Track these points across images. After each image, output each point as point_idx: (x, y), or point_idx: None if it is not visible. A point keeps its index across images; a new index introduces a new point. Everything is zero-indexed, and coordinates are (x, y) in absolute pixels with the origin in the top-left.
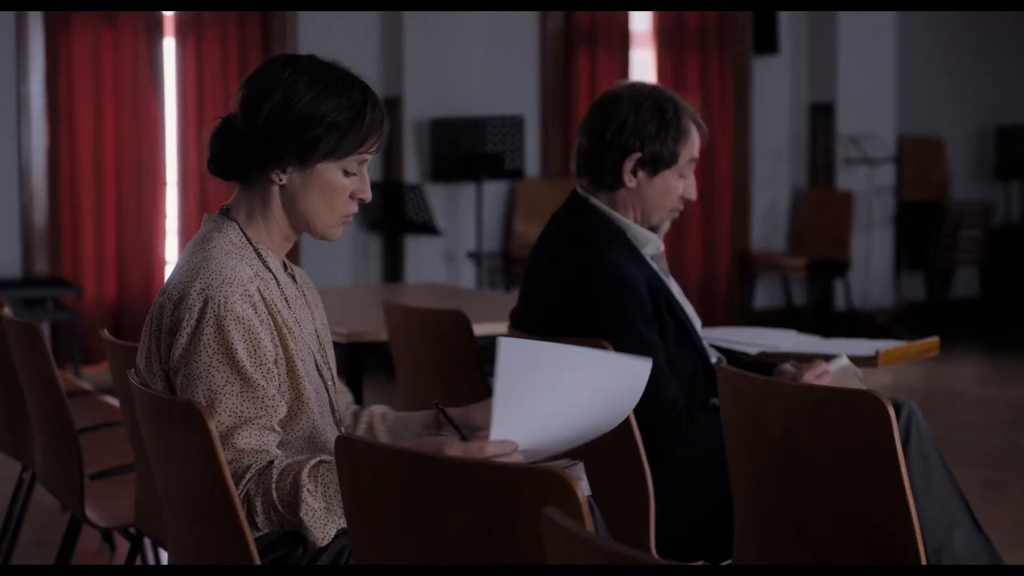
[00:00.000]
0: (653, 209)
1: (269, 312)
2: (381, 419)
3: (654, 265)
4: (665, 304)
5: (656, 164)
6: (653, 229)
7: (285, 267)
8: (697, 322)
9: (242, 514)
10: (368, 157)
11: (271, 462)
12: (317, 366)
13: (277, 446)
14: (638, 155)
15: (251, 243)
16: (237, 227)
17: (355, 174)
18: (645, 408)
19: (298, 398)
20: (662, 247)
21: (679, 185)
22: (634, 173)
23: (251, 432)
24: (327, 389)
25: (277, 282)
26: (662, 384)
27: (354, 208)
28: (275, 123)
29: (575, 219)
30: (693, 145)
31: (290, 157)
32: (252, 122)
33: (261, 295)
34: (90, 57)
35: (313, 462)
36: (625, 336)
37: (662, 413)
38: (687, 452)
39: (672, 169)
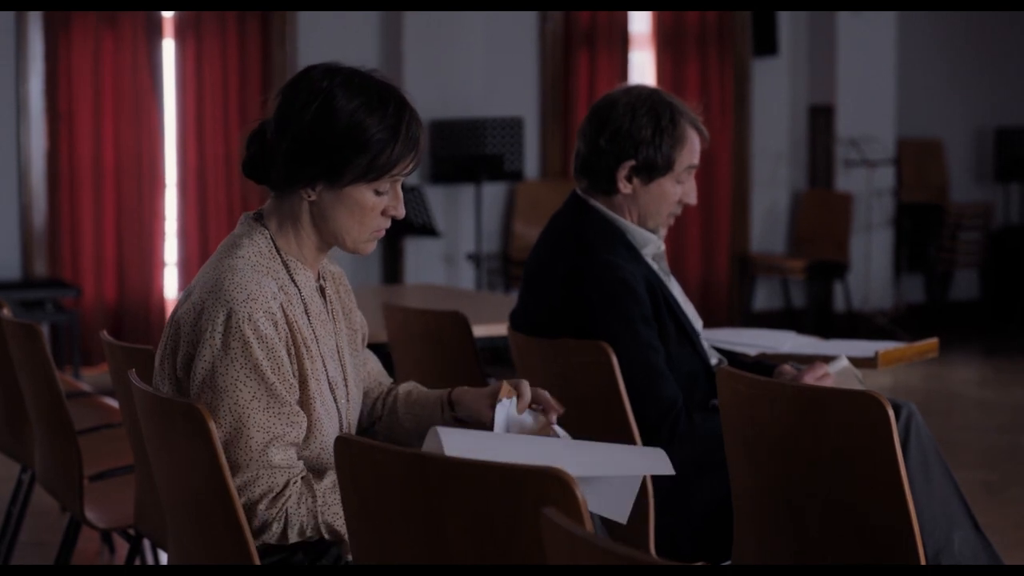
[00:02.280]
0: (649, 214)
1: (289, 330)
2: (404, 401)
3: (654, 265)
4: (665, 305)
5: (651, 171)
6: (652, 230)
7: (319, 275)
8: (698, 323)
9: (243, 516)
10: (402, 177)
11: (306, 479)
12: (331, 385)
13: None
14: (632, 162)
15: (280, 254)
16: (268, 236)
17: (386, 192)
18: (643, 409)
19: (309, 416)
20: (662, 247)
21: (676, 191)
22: (629, 180)
23: (282, 448)
24: (339, 409)
25: (301, 297)
26: (660, 385)
27: (386, 224)
28: (306, 140)
29: (575, 220)
30: (691, 151)
31: (320, 176)
32: (283, 136)
33: (283, 312)
34: (90, 58)
35: None
36: (625, 337)
37: (660, 414)
38: (685, 453)
39: (668, 176)
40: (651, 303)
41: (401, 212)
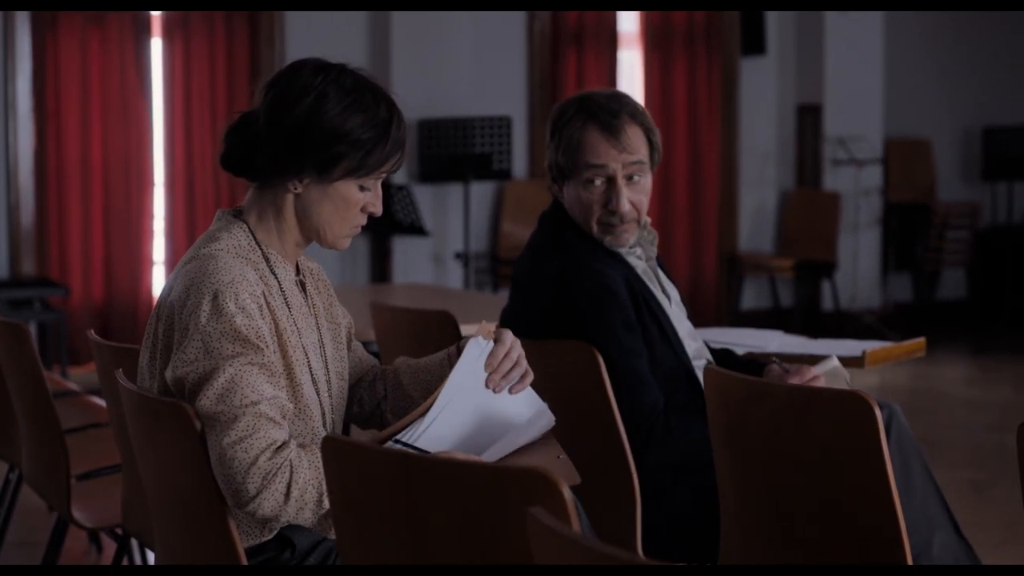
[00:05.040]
0: (579, 220)
1: (272, 316)
2: (407, 372)
3: (639, 266)
4: (645, 306)
5: (554, 174)
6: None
7: (298, 270)
8: (685, 325)
9: (229, 515)
10: (386, 174)
11: (300, 444)
12: (313, 378)
13: None
14: (546, 164)
15: (260, 246)
16: (247, 229)
17: (370, 189)
18: (623, 413)
19: (296, 403)
20: (639, 251)
21: (584, 195)
22: (556, 184)
23: (274, 406)
24: (320, 403)
25: (281, 289)
26: (640, 391)
27: (364, 220)
28: (299, 134)
29: (558, 224)
30: (582, 151)
31: (310, 169)
32: (275, 129)
33: (264, 299)
34: (77, 57)
35: None
36: (607, 343)
37: (640, 419)
38: (662, 457)
39: (573, 179)
40: (632, 304)
41: (379, 210)
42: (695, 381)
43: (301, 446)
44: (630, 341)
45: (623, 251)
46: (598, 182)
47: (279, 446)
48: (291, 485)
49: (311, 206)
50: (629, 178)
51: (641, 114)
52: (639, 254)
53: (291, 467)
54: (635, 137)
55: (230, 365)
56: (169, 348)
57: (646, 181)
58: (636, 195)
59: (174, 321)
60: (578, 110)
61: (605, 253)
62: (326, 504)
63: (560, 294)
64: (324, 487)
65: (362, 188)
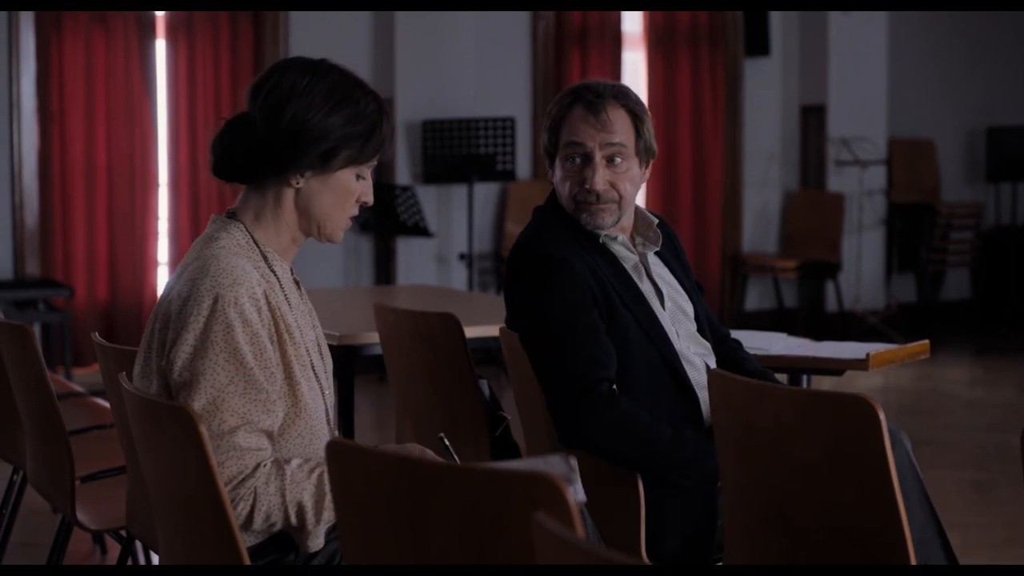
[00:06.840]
0: (562, 201)
1: (272, 316)
2: None
3: (630, 261)
4: (617, 297)
5: (546, 155)
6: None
7: (291, 271)
8: (685, 327)
9: (232, 516)
10: (375, 163)
11: (276, 462)
12: (315, 373)
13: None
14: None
15: (258, 245)
16: (244, 229)
17: (365, 179)
18: (554, 376)
19: (295, 404)
20: (622, 238)
21: (563, 172)
22: (550, 168)
23: (252, 433)
24: (323, 396)
25: (281, 286)
26: (590, 349)
27: (356, 211)
28: (297, 133)
29: (546, 213)
30: (566, 128)
31: (311, 163)
32: (275, 127)
33: (266, 298)
34: (82, 58)
35: (320, 470)
36: (548, 304)
37: (579, 373)
38: (594, 437)
39: (558, 158)
40: (599, 290)
41: (372, 199)
42: (681, 378)
43: (276, 461)
44: (583, 301)
45: (606, 239)
46: (576, 160)
47: (244, 476)
48: (253, 512)
49: (312, 198)
50: (610, 160)
51: (632, 101)
52: (623, 242)
53: (254, 496)
54: (618, 120)
55: (212, 385)
56: (163, 345)
57: (629, 166)
58: (616, 177)
59: (170, 320)
60: (568, 93)
61: (584, 239)
62: (308, 523)
63: (512, 261)
64: (305, 504)
65: (358, 177)
